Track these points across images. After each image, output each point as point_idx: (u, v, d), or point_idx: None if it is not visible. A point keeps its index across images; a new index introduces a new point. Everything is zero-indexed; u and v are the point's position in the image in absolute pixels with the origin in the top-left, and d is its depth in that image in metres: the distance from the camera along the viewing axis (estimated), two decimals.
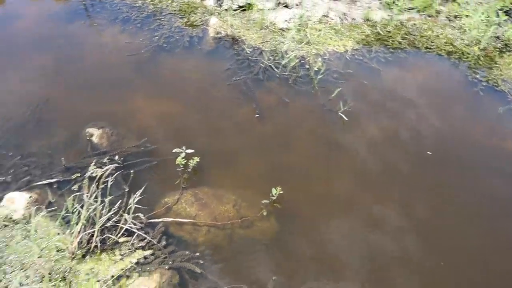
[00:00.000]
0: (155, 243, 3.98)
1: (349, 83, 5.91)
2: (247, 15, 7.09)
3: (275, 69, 6.01)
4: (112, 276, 3.68)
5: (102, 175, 3.93)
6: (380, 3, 7.36)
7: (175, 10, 7.23)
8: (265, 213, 4.36)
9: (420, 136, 5.30)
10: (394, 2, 7.22)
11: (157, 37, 6.55)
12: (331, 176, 4.79)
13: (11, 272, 3.66)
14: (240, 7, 7.15)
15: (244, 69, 6.04)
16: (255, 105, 5.46)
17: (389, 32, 6.90)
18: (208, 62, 6.17)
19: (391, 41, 6.76)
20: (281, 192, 4.37)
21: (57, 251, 3.83)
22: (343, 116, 5.38)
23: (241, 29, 6.78)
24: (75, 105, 5.43)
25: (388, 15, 7.16)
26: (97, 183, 3.87)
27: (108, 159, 4.55)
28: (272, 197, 4.39)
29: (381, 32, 6.87)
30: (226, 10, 7.17)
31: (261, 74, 5.96)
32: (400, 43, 6.72)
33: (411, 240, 4.27)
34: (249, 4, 7.15)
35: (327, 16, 7.06)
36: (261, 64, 6.09)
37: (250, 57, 6.22)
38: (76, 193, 4.06)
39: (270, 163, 4.87)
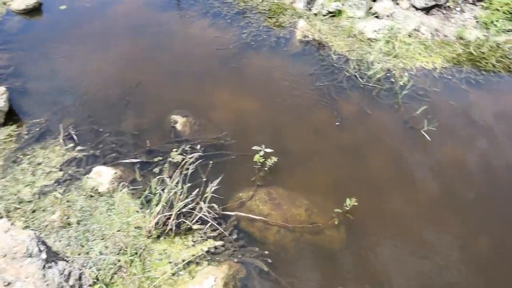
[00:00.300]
0: (227, 235, 4.07)
1: (435, 102, 5.71)
2: (336, 22, 7.05)
3: (360, 79, 5.93)
4: (183, 260, 3.80)
5: (185, 161, 4.06)
6: (477, 21, 7.05)
7: (264, 10, 7.32)
8: (336, 222, 4.32)
9: (503, 166, 5.02)
10: (492, 22, 6.88)
11: (245, 34, 6.67)
12: (407, 195, 4.66)
13: (92, 240, 3.88)
14: (329, 12, 7.12)
15: (328, 75, 6.01)
16: (336, 113, 5.42)
17: (483, 53, 6.59)
18: (293, 64, 6.20)
19: (484, 63, 6.46)
20: (355, 203, 4.31)
21: (135, 227, 4.01)
22: (425, 135, 5.21)
23: (328, 35, 6.75)
24: (162, 91, 5.66)
25: (484, 35, 6.85)
26: (180, 169, 4.00)
27: (189, 147, 4.69)
28: (346, 207, 4.34)
29: (474, 52, 6.58)
30: (315, 14, 7.17)
31: (345, 82, 5.90)
32: (494, 65, 6.41)
33: (469, 271, 4.06)
34: (339, 11, 7.10)
35: (418, 31, 6.86)
36: (346, 73, 6.03)
37: (335, 64, 6.18)
38: (158, 175, 4.24)
39: (346, 173, 4.82)
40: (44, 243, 3.00)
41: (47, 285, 2.78)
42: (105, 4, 7.55)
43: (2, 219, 3.28)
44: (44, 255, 2.91)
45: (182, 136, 4.97)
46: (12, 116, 5.22)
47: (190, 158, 4.01)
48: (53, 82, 5.78)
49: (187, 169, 4.04)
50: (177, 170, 4.00)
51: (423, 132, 5.23)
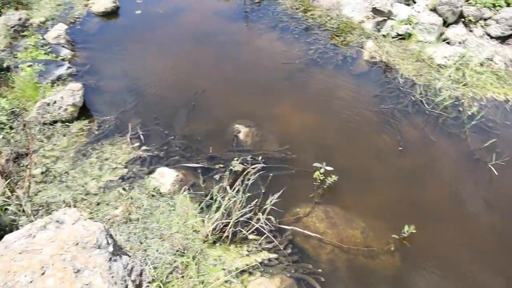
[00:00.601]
0: (281, 248, 4.07)
1: (505, 135, 5.48)
2: (405, 45, 6.94)
3: (426, 105, 5.80)
4: (237, 269, 3.83)
5: (247, 171, 4.11)
6: None
7: (332, 27, 7.33)
8: (392, 248, 4.22)
9: None
10: None
11: (312, 51, 6.70)
12: (467, 229, 4.48)
13: (151, 238, 3.99)
14: (398, 35, 7.03)
15: (393, 98, 5.92)
16: (399, 137, 5.32)
17: None
18: (358, 84, 6.15)
19: None
20: (414, 231, 4.19)
21: (193, 231, 4.09)
22: (492, 169, 5.01)
23: (396, 57, 6.66)
24: (227, 99, 5.78)
25: None
26: (242, 179, 4.05)
27: (250, 158, 4.74)
28: (403, 234, 4.24)
29: None
30: (384, 36, 7.10)
31: (410, 107, 5.79)
32: None
33: None
34: (409, 34, 7.00)
35: (491, 60, 6.63)
36: (412, 97, 5.92)
37: (401, 88, 6.08)
38: (218, 182, 4.32)
39: (406, 198, 4.71)
40: (111, 236, 3.12)
41: (112, 277, 2.88)
42: (177, 11, 7.82)
43: (72, 208, 3.45)
44: (111, 248, 3.02)
45: (243, 146, 5.03)
46: (85, 112, 5.49)
47: (253, 169, 4.04)
48: (124, 82, 6.04)
49: (248, 179, 4.08)
50: (238, 180, 4.04)
51: (490, 166, 5.03)
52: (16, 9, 7.39)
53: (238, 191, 4.03)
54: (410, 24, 7.06)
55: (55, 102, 5.17)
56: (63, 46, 6.57)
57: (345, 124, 5.48)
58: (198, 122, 5.38)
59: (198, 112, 5.53)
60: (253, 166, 4.03)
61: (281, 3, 8.01)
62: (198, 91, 5.81)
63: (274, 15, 7.64)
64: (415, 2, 7.50)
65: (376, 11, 7.16)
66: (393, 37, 7.01)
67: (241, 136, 5.12)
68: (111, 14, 7.69)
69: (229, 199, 3.98)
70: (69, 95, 5.22)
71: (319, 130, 5.40)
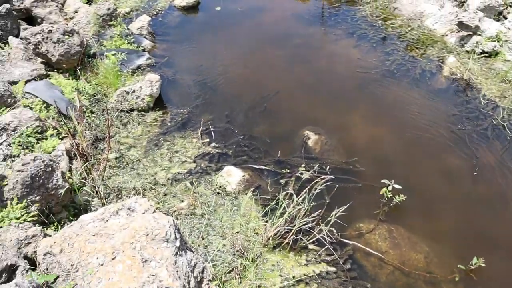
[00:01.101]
0: (340, 262, 4.01)
1: None
2: (490, 63, 6.58)
3: (508, 130, 5.47)
4: (294, 277, 3.82)
5: (315, 181, 4.07)
6: None
7: (412, 39, 7.09)
8: (457, 279, 4.02)
9: None
10: None
11: (389, 61, 6.53)
12: None
13: (212, 235, 4.07)
14: (484, 52, 6.68)
15: (472, 119, 5.63)
16: (475, 161, 5.06)
17: None
18: (435, 101, 5.91)
19: None
20: (483, 264, 3.98)
21: (255, 233, 4.12)
22: None
23: (479, 76, 6.33)
24: (299, 103, 5.76)
25: None
26: (309, 188, 4.02)
27: (318, 166, 4.70)
28: (471, 266, 4.03)
29: None
30: (467, 52, 6.77)
31: (490, 130, 5.48)
32: None
33: None
34: (496, 52, 6.62)
35: None
36: (493, 120, 5.60)
37: (482, 109, 5.77)
38: (283, 187, 4.32)
39: (476, 227, 4.47)
40: (179, 231, 3.21)
41: (177, 271, 2.96)
42: (256, 10, 7.89)
43: (144, 198, 3.58)
44: (178, 243, 3.11)
45: (312, 153, 5.00)
46: (160, 102, 5.68)
47: (322, 179, 4.00)
48: (198, 77, 6.19)
49: (315, 189, 4.04)
50: (306, 188, 4.01)
51: None
52: None
53: (304, 199, 4.01)
54: (498, 41, 6.69)
55: (134, 91, 5.38)
56: (144, 37, 6.82)
57: (417, 142, 5.29)
58: (269, 124, 5.41)
59: (269, 113, 5.56)
60: (322, 177, 3.99)
61: (361, 9, 7.85)
62: (270, 92, 5.83)
63: (352, 22, 7.51)
64: (506, 18, 7.09)
65: (462, 25, 6.84)
66: (477, 54, 6.66)
67: (310, 143, 5.09)
68: (192, 8, 7.89)
69: (293, 206, 3.97)
70: (147, 85, 5.41)
71: (390, 145, 5.25)
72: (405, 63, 6.53)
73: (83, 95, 5.44)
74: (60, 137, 4.65)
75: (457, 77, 6.29)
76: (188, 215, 4.26)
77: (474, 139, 5.35)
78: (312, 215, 4.08)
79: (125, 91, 5.38)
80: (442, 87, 6.19)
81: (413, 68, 6.44)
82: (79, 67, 5.66)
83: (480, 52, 6.69)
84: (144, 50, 6.58)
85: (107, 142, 4.56)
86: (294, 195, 4.01)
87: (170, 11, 7.82)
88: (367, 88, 6.07)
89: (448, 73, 6.38)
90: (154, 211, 3.43)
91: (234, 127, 5.31)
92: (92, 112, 5.38)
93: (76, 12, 6.90)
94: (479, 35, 6.82)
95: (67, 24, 6.14)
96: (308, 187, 4.00)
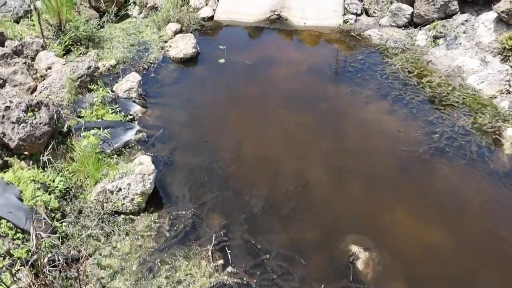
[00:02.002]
0: None
1: None
2: None
3: None
4: None
5: None
6: None
7: (457, 102, 5.90)
8: None
9: None
10: None
11: (436, 135, 5.29)
12: None
13: None
14: None
15: None
16: None
17: None
18: (501, 189, 4.67)
19: None
20: None
21: None
22: None
23: None
24: (334, 197, 4.49)
25: None
26: None
27: None
28: None
29: None
30: None
31: None
32: None
33: None
34: None
35: None
36: None
37: None
38: None
39: None
40: None
41: None
42: (265, 63, 6.67)
43: None
44: None
45: (364, 282, 3.66)
46: (154, 198, 4.33)
47: None
48: (203, 158, 4.87)
49: None
50: None
51: None
52: (87, 47, 6.44)
53: None
54: None
55: (119, 189, 4.03)
56: (133, 101, 5.51)
57: (493, 250, 4.01)
58: (300, 232, 4.09)
59: (298, 215, 4.24)
60: None
61: (389, 62, 6.67)
62: (298, 184, 4.52)
63: (382, 79, 6.30)
64: None
65: None
66: None
67: (359, 265, 3.77)
68: (190, 60, 6.62)
69: None
70: (138, 181, 4.06)
71: (457, 257, 3.96)
72: (455, 136, 5.30)
73: (52, 191, 4.05)
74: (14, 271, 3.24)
75: None
76: None
77: None
78: None
79: (108, 189, 4.01)
80: (506, 169, 4.95)
81: (466, 143, 5.21)
82: (47, 152, 4.28)
83: None
84: (133, 120, 5.26)
85: (81, 266, 3.17)
86: None
87: (164, 64, 6.52)
88: (415, 173, 4.83)
89: (510, 150, 5.16)
90: None
91: (256, 239, 3.97)
92: (63, 215, 4.00)
93: (49, 69, 5.55)
94: None
95: (33, 93, 4.79)
96: None
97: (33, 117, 4.17)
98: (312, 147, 5.12)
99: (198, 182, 4.56)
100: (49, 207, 3.86)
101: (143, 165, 4.22)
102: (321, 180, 4.66)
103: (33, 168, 4.23)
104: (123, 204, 4.03)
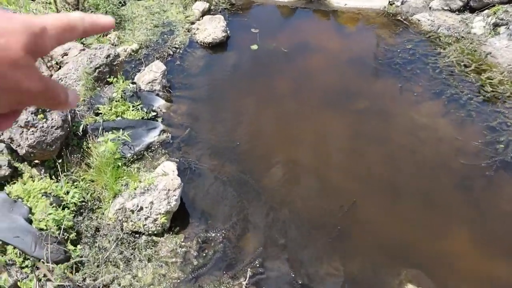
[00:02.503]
0: None
1: None
2: None
3: None
4: None
5: None
6: None
7: None
8: None
9: None
10: None
11: (501, 145, 4.62)
12: None
13: None
14: None
15: None
16: None
17: None
18: None
19: None
20: None
21: None
22: None
23: None
24: (384, 220, 3.90)
25: None
26: None
27: None
28: None
29: None
30: None
31: None
32: None
33: None
34: None
35: None
36: None
37: None
38: None
39: None
40: None
41: None
42: (302, 50, 5.98)
43: None
44: None
45: None
46: (179, 215, 3.80)
47: None
48: (234, 165, 4.31)
49: None
50: None
51: None
52: None
53: None
54: None
55: (141, 208, 3.50)
56: (157, 94, 4.93)
57: None
58: (348, 265, 3.53)
59: (345, 243, 3.68)
60: None
61: (442, 53, 5.90)
62: (343, 203, 3.94)
63: (435, 73, 5.57)
64: None
65: None
66: None
67: None
68: (219, 46, 5.97)
69: None
70: (162, 198, 3.53)
71: None
72: None
73: (66, 206, 3.56)
74: None
75: None
76: None
77: None
78: None
79: (128, 208, 3.49)
80: None
81: None
82: (60, 159, 3.77)
83: None
84: (156, 116, 4.70)
85: None
86: None
87: (191, 49, 5.88)
88: (476, 192, 4.19)
89: None
90: None
91: (296, 271, 3.43)
92: (78, 234, 3.52)
93: (66, 55, 4.97)
94: None
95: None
96: None
97: (44, 119, 3.63)
98: (355, 156, 4.53)
99: (230, 196, 4.01)
100: (62, 227, 3.36)
101: (167, 176, 3.68)
102: (368, 199, 4.07)
103: (45, 177, 3.73)
104: (145, 225, 3.52)
